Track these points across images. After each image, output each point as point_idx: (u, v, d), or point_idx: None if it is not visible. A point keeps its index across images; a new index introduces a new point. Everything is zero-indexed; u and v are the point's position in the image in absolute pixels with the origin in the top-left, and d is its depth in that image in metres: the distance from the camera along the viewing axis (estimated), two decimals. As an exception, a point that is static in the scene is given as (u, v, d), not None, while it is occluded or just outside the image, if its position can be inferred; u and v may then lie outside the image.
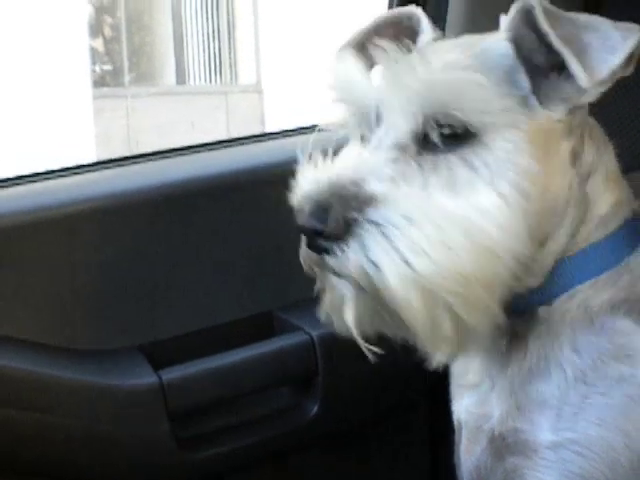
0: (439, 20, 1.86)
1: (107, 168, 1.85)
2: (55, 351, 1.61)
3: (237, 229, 1.79)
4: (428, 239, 1.01)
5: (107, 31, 13.04)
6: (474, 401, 1.24)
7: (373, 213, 1.03)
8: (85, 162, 1.91)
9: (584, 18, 1.09)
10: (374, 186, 1.05)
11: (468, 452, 1.25)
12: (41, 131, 10.00)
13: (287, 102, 11.52)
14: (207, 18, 13.24)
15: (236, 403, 1.72)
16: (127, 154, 1.98)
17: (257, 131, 11.04)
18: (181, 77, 13.26)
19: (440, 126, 1.09)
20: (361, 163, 1.09)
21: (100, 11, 12.89)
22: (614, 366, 1.13)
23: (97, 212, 1.69)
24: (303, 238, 1.09)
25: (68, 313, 1.64)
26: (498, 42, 1.13)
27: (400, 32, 1.27)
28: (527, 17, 1.11)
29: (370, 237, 1.02)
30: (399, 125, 1.11)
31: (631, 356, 1.14)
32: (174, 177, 1.79)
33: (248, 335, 1.74)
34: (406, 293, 1.01)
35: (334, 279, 1.08)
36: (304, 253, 1.11)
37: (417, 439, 1.96)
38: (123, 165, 1.87)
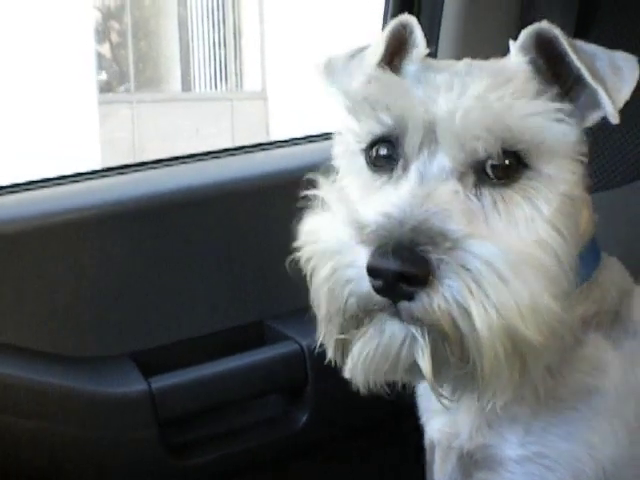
0: (432, 28, 1.86)
1: (106, 176, 1.86)
2: (47, 358, 1.62)
3: (229, 239, 1.79)
4: (517, 292, 0.95)
5: (114, 37, 13.08)
6: (444, 421, 1.23)
7: (462, 256, 0.94)
8: (91, 168, 1.91)
9: (586, 45, 1.09)
10: (456, 225, 0.97)
11: (442, 471, 1.25)
12: (48, 136, 10.03)
13: (292, 109, 11.54)
14: (213, 25, 13.28)
15: (226, 411, 1.72)
16: (132, 159, 1.99)
17: (261, 138, 11.06)
18: (187, 83, 13.30)
19: (501, 155, 1.02)
20: (429, 196, 0.99)
21: (107, 17, 12.94)
22: (583, 380, 1.14)
23: (92, 221, 1.70)
24: (362, 279, 0.96)
25: (60, 320, 1.65)
26: (521, 66, 1.10)
27: (397, 43, 1.21)
28: (538, 41, 1.09)
29: (460, 282, 0.93)
30: (457, 152, 1.03)
31: (598, 369, 1.14)
32: (164, 187, 1.79)
33: (239, 344, 1.75)
34: (493, 341, 0.95)
35: (395, 326, 0.98)
36: (364, 298, 0.98)
37: (408, 449, 1.95)
38: (124, 173, 1.87)
